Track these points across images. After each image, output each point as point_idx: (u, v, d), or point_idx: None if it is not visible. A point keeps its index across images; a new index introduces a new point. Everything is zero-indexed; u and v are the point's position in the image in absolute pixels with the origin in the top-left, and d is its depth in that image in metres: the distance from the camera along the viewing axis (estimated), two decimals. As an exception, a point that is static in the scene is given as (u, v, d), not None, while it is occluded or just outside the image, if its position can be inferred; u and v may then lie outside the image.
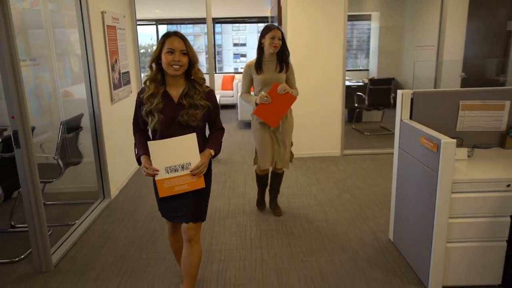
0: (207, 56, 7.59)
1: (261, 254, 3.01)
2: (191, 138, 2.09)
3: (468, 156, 2.70)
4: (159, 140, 2.12)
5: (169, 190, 2.13)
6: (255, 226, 3.45)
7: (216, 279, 2.71)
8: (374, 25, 8.55)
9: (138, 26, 5.41)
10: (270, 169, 3.62)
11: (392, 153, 3.06)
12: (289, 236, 3.27)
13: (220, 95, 8.91)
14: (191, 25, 13.89)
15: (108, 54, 4.08)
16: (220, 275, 2.75)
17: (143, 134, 2.25)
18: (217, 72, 10.48)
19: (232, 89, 9.31)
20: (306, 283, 2.63)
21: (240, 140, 6.51)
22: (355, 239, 3.19)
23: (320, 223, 3.47)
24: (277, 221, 3.52)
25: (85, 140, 3.99)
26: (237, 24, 14.87)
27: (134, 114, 2.23)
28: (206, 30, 5.32)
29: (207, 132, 2.35)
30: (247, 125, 7.51)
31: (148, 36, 10.78)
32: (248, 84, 3.40)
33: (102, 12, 3.94)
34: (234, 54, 15.79)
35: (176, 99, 2.15)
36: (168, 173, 2.10)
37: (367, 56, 9.03)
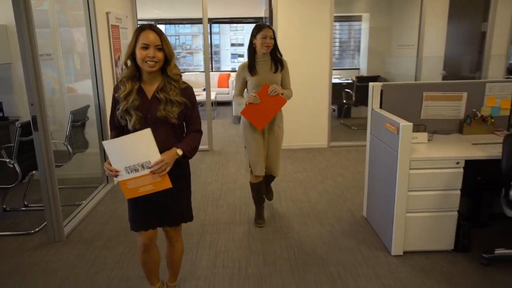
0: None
1: (248, 228, 3.40)
2: (146, 134, 1.89)
3: (429, 140, 3.09)
4: (112, 139, 1.98)
5: (134, 192, 1.99)
6: (245, 206, 3.84)
7: (209, 246, 3.10)
8: (364, 26, 8.95)
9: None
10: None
11: (366, 139, 3.46)
12: (274, 214, 3.66)
13: (216, 92, 9.29)
14: (189, 25, 14.29)
15: (112, 51, 4.46)
16: (212, 244, 3.14)
17: (119, 132, 2.13)
18: (213, 70, 10.86)
19: (228, 87, 9.69)
20: (287, 250, 3.02)
21: (234, 133, 6.90)
22: (333, 216, 3.59)
23: (303, 204, 3.86)
24: (265, 202, 3.91)
25: (90, 132, 4.39)
26: (234, 25, 15.21)
27: (111, 112, 2.15)
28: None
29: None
30: (240, 120, 7.90)
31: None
32: (241, 87, 3.30)
33: (107, 13, 4.33)
34: (232, 54, 16.11)
35: (150, 94, 2.04)
36: (128, 173, 1.95)
37: (358, 55, 9.45)
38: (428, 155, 2.77)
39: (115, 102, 2.09)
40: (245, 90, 3.36)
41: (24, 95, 4.42)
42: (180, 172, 2.12)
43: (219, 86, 9.87)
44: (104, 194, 4.19)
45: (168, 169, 1.95)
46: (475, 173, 3.15)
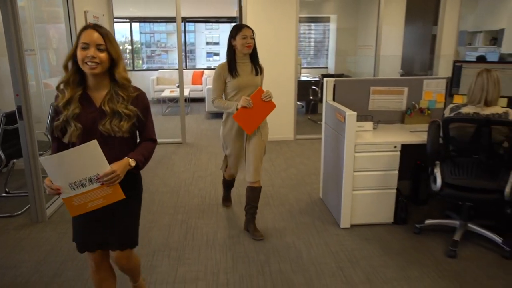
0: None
1: (216, 208, 3.78)
2: (92, 146, 1.71)
3: (374, 128, 3.54)
4: (52, 155, 1.77)
5: (82, 208, 1.81)
6: (214, 190, 4.21)
7: (180, 224, 3.46)
8: (332, 27, 9.46)
9: (114, 24, 6.07)
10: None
11: (321, 129, 3.88)
12: (240, 197, 4.04)
13: (190, 89, 9.60)
14: (164, 24, 14.52)
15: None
16: (183, 222, 3.50)
17: (61, 144, 1.87)
18: (187, 68, 11.15)
19: (201, 84, 10.02)
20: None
21: (207, 128, 7.25)
22: (293, 198, 4.00)
23: (268, 188, 4.26)
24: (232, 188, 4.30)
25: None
26: (210, 24, 15.49)
27: (49, 123, 2.05)
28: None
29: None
30: (213, 115, 8.26)
31: (122, 34, 11.36)
32: (221, 88, 3.14)
33: (85, 12, 4.61)
34: (207, 52, 16.36)
35: (98, 103, 1.83)
36: (74, 189, 1.77)
37: (327, 54, 9.96)
38: (371, 140, 3.21)
39: (56, 113, 1.84)
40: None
41: (3, 88, 4.66)
42: (130, 183, 1.91)
43: (193, 83, 10.18)
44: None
45: (118, 179, 1.78)
46: (415, 158, 3.63)
